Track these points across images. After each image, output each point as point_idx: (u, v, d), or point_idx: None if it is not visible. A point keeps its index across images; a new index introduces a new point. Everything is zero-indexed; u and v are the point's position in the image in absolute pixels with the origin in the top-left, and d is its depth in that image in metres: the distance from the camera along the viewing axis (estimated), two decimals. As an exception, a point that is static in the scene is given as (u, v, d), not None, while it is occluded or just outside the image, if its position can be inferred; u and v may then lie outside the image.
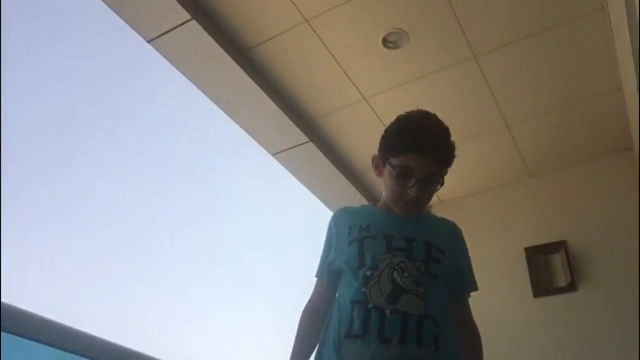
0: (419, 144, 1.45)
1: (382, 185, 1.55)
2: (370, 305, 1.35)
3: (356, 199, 3.84)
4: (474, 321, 1.55)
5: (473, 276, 1.57)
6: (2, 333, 1.34)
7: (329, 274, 1.53)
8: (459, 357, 1.43)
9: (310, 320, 1.53)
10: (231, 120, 3.24)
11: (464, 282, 1.54)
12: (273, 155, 3.54)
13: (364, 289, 1.38)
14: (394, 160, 1.47)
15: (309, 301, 1.58)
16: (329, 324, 1.46)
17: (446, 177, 1.54)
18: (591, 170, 3.59)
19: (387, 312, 1.33)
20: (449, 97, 3.26)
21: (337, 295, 1.51)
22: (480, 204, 3.89)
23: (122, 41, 3.06)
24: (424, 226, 1.55)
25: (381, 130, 1.61)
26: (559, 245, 3.42)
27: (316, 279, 1.59)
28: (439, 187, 1.51)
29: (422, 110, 1.57)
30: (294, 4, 2.72)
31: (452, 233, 1.60)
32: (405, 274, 1.38)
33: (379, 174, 1.56)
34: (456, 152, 1.53)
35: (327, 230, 1.60)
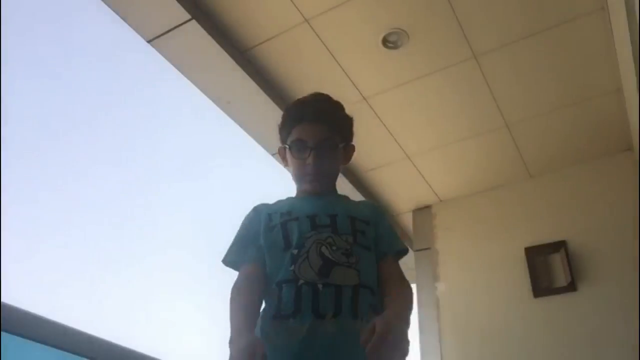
0: (304, 115, 1.51)
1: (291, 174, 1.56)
2: (300, 282, 1.31)
3: (357, 199, 3.84)
4: (403, 276, 1.47)
5: (398, 238, 1.54)
6: (2, 333, 1.34)
7: (257, 253, 1.42)
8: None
9: (237, 300, 1.36)
10: (231, 120, 3.24)
11: (385, 242, 1.49)
12: (273, 155, 3.54)
13: (292, 267, 1.33)
14: (289, 139, 1.51)
15: (235, 282, 1.42)
16: (259, 316, 1.36)
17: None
18: (591, 170, 3.59)
19: (320, 286, 1.30)
20: (449, 97, 3.26)
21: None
22: (480, 204, 3.89)
23: (122, 41, 3.06)
24: (344, 203, 1.56)
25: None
26: (559, 245, 3.42)
27: (237, 268, 1.44)
28: (341, 157, 1.55)
29: (315, 92, 1.62)
30: (294, 4, 2.72)
31: (372, 208, 1.59)
32: (334, 247, 1.36)
33: (286, 163, 1.58)
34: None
35: (245, 218, 1.53)
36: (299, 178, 1.53)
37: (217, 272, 1.51)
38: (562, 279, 3.35)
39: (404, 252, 1.52)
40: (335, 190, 1.59)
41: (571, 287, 3.30)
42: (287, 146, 1.52)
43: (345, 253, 1.36)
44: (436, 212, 4.04)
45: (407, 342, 1.19)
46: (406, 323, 1.29)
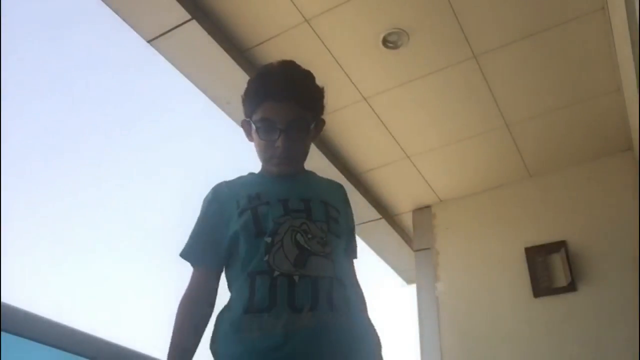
0: (272, 91, 1.35)
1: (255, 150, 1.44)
2: (276, 274, 1.22)
3: (357, 199, 3.85)
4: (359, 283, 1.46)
5: (356, 240, 1.51)
6: (2, 333, 1.34)
7: (214, 255, 1.34)
8: (365, 322, 1.35)
9: (191, 311, 1.31)
10: (231, 120, 3.24)
11: (353, 241, 1.47)
12: (273, 155, 3.53)
13: (266, 258, 1.24)
14: (255, 117, 1.38)
15: (187, 290, 1.34)
16: (225, 307, 1.30)
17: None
18: (591, 170, 3.59)
19: (296, 278, 1.21)
20: (449, 97, 3.26)
21: (229, 274, 1.34)
22: (480, 204, 3.89)
23: (122, 41, 3.06)
24: (316, 186, 1.47)
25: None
26: (559, 245, 3.42)
27: (192, 266, 1.37)
28: (311, 135, 1.42)
29: (282, 60, 1.44)
30: (294, 4, 2.72)
31: (341, 193, 1.51)
32: (309, 236, 1.27)
33: (250, 138, 1.45)
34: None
35: (205, 205, 1.40)
36: (265, 159, 1.40)
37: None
38: (562, 279, 3.35)
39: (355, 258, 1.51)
40: (304, 169, 1.49)
41: (571, 287, 3.30)
42: (252, 123, 1.39)
43: (321, 242, 1.28)
44: (436, 212, 4.04)
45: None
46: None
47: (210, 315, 1.32)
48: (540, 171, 3.74)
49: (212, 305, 1.33)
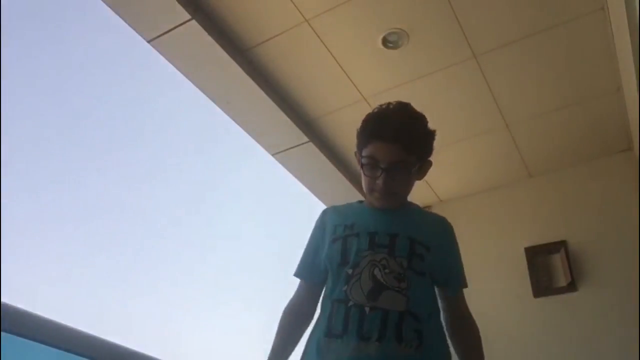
0: (380, 133, 1.45)
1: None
2: (350, 304, 1.36)
3: (356, 199, 3.84)
4: (469, 313, 1.53)
5: (463, 272, 1.57)
6: (2, 333, 1.34)
7: (314, 273, 1.53)
8: (445, 353, 1.43)
9: (291, 317, 1.53)
10: (231, 120, 3.24)
11: (452, 277, 1.53)
12: (273, 155, 3.54)
13: (345, 288, 1.39)
14: (363, 152, 1.49)
15: (291, 299, 1.57)
16: (315, 326, 1.47)
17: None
18: (591, 170, 3.59)
19: (367, 309, 1.34)
20: (449, 97, 3.26)
21: (322, 298, 1.50)
22: (480, 204, 3.89)
23: (122, 41, 3.06)
24: (410, 221, 1.53)
25: None
26: (559, 245, 3.42)
27: (298, 279, 1.58)
28: (416, 175, 1.51)
29: (399, 101, 1.54)
30: (294, 4, 2.72)
31: (441, 230, 1.58)
32: (387, 270, 1.38)
33: (360, 167, 1.56)
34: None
35: (315, 228, 1.59)
36: (367, 192, 1.53)
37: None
38: (562, 279, 3.36)
39: (465, 287, 1.56)
40: (405, 203, 1.58)
41: (571, 287, 3.30)
42: (361, 157, 1.50)
43: (397, 277, 1.37)
44: (436, 212, 4.04)
45: None
46: None
47: (307, 326, 1.50)
48: (540, 171, 3.74)
49: (309, 316, 1.51)
